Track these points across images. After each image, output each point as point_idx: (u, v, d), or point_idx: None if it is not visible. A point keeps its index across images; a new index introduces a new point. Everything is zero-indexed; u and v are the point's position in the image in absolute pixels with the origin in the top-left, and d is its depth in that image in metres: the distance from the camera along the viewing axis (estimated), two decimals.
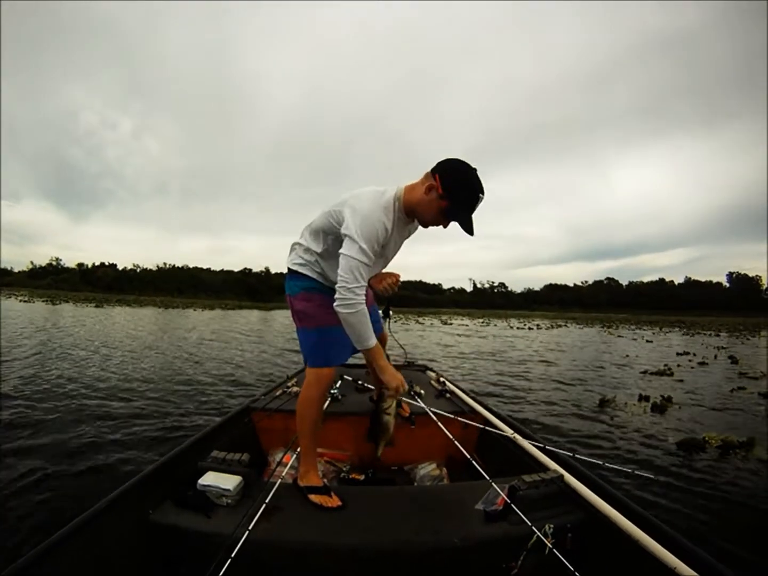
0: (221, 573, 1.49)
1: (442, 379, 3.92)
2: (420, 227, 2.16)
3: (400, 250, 2.23)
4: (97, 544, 1.64)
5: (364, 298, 1.83)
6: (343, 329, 1.98)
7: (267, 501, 1.90)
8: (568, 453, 2.36)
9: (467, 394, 3.48)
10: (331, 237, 2.04)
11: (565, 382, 8.04)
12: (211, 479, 1.97)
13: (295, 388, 3.47)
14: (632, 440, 4.57)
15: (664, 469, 3.77)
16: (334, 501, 2.00)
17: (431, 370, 4.55)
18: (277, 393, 3.45)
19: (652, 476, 2.49)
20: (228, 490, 1.93)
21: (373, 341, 1.90)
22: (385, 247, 2.01)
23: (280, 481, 2.12)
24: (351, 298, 1.79)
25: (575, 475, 2.06)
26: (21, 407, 4.72)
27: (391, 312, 3.39)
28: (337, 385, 3.55)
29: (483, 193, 1.82)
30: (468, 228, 1.82)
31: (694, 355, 13.95)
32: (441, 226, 1.94)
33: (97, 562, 1.62)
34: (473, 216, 1.85)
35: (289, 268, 2.22)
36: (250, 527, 1.72)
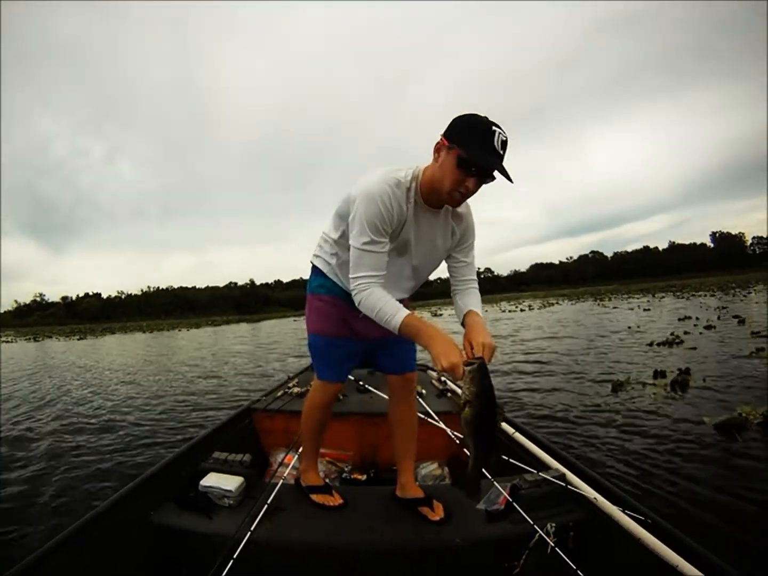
0: (223, 574, 1.49)
1: (443, 378, 3.88)
2: (465, 228, 1.84)
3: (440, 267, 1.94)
4: (99, 546, 1.64)
5: (366, 283, 1.58)
6: (334, 345, 1.96)
7: (269, 502, 1.90)
8: (570, 451, 2.41)
9: None
10: (346, 223, 1.71)
11: (571, 365, 7.48)
12: (212, 480, 1.98)
13: (296, 389, 3.49)
14: (663, 429, 3.98)
15: (714, 462, 3.24)
16: (335, 500, 1.99)
17: (432, 369, 4.43)
18: (278, 394, 3.48)
19: None
20: (229, 491, 1.93)
21: (397, 321, 1.51)
22: (401, 236, 1.68)
23: (281, 481, 2.11)
24: (354, 289, 1.60)
25: (577, 474, 2.05)
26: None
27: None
28: None
29: (497, 127, 1.44)
30: (492, 165, 1.44)
31: (698, 319, 13.34)
32: (472, 190, 1.55)
33: (99, 564, 1.62)
34: (504, 162, 1.47)
35: (310, 262, 2.04)
36: (252, 528, 1.72)
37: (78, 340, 31.26)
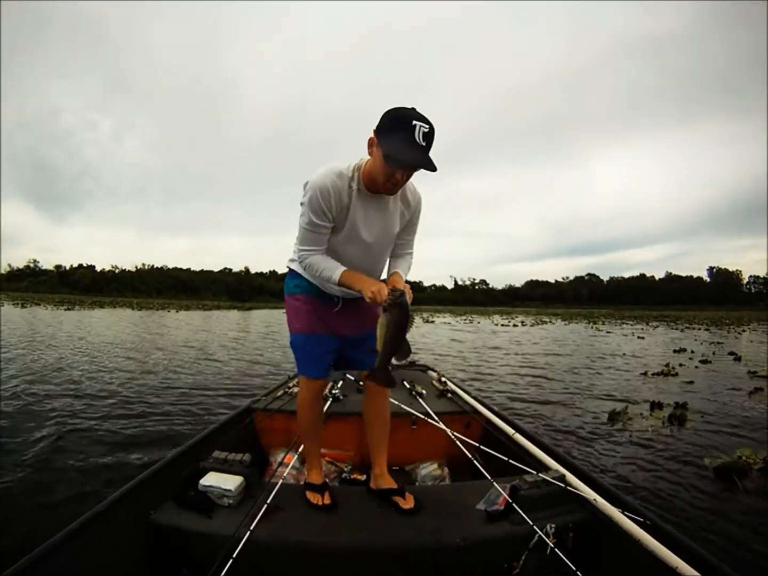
0: (222, 573, 1.49)
1: (443, 378, 3.89)
2: (414, 211, 2.03)
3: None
4: (98, 545, 1.63)
5: (308, 253, 1.85)
6: (314, 341, 2.04)
7: (268, 501, 1.89)
8: (569, 453, 2.34)
9: (469, 394, 3.47)
10: None
11: (564, 388, 7.23)
12: (212, 479, 1.97)
13: (296, 389, 3.40)
14: (661, 467, 3.74)
15: (716, 511, 2.95)
16: (323, 500, 2.00)
17: (432, 369, 4.51)
18: (279, 393, 3.48)
19: None
20: (229, 490, 1.93)
21: (336, 275, 1.81)
22: (349, 220, 1.84)
23: (281, 481, 2.11)
24: (299, 258, 1.89)
25: (577, 475, 2.05)
26: None
27: None
28: (339, 385, 3.55)
29: (421, 120, 1.57)
30: (413, 160, 1.59)
31: (693, 352, 13.20)
32: (403, 180, 1.72)
33: (99, 563, 1.62)
34: (430, 154, 1.62)
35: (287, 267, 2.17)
36: (251, 527, 1.71)
37: (65, 310, 31.06)
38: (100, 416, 4.75)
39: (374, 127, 1.67)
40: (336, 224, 1.85)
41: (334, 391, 3.34)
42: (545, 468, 2.17)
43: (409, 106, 1.62)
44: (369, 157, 1.77)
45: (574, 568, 1.57)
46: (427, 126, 1.56)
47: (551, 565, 1.63)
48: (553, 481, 1.96)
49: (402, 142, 1.55)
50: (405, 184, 1.77)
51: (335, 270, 1.80)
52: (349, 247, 1.91)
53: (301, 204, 1.82)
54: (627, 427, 4.93)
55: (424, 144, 1.56)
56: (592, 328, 27.85)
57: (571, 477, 2.03)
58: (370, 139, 1.69)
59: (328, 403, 3.11)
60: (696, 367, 10.06)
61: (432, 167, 1.58)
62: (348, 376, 3.82)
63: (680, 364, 10.15)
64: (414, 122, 1.55)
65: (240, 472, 2.04)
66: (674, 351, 13.56)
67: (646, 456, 4.00)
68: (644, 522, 1.68)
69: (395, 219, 1.95)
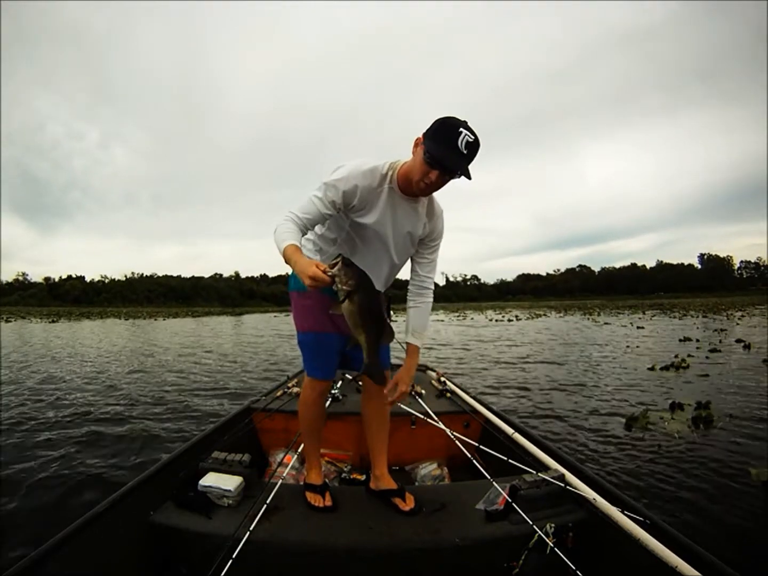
0: (222, 573, 1.48)
1: (442, 378, 3.87)
2: (435, 226, 1.98)
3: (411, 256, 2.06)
4: (98, 545, 1.63)
5: (291, 218, 1.73)
6: (323, 340, 2.00)
7: (268, 501, 1.88)
8: (569, 452, 2.43)
9: (468, 394, 3.46)
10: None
11: (572, 390, 6.54)
12: (212, 480, 1.97)
13: (296, 389, 3.48)
14: (700, 485, 3.21)
15: None
16: (324, 501, 1.99)
17: (432, 369, 4.49)
18: (278, 394, 3.47)
19: None
20: (229, 490, 1.92)
21: (285, 244, 1.64)
22: (377, 222, 1.82)
23: (280, 481, 2.09)
24: (284, 218, 1.73)
25: (576, 474, 2.05)
26: None
27: (392, 312, 3.20)
28: (338, 385, 3.54)
29: (468, 130, 1.58)
30: (448, 160, 1.60)
31: (698, 340, 12.67)
32: (435, 182, 1.68)
33: (99, 563, 1.61)
34: (470, 164, 1.64)
35: None
36: (251, 528, 1.70)
37: (50, 322, 30.98)
38: (99, 421, 4.82)
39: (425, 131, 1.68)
40: (360, 219, 1.82)
41: (333, 391, 3.34)
42: (545, 467, 2.19)
43: (462, 119, 1.62)
44: (405, 160, 1.80)
45: (573, 568, 1.58)
46: (473, 137, 1.58)
47: (551, 565, 1.64)
48: (553, 480, 1.96)
49: (444, 143, 1.58)
50: (437, 188, 1.75)
51: (287, 240, 1.66)
52: (370, 243, 1.90)
53: (324, 183, 1.77)
54: (650, 435, 4.36)
55: (465, 152, 1.58)
56: (588, 319, 27.35)
57: (570, 476, 2.03)
58: (416, 139, 1.70)
59: (328, 402, 3.09)
60: (707, 357, 9.44)
61: (467, 174, 1.60)
62: (347, 375, 3.82)
63: (689, 355, 9.53)
64: (461, 129, 1.57)
65: (239, 472, 2.04)
66: (679, 340, 13.07)
67: (680, 470, 3.49)
68: (644, 521, 1.68)
69: (420, 225, 1.94)
